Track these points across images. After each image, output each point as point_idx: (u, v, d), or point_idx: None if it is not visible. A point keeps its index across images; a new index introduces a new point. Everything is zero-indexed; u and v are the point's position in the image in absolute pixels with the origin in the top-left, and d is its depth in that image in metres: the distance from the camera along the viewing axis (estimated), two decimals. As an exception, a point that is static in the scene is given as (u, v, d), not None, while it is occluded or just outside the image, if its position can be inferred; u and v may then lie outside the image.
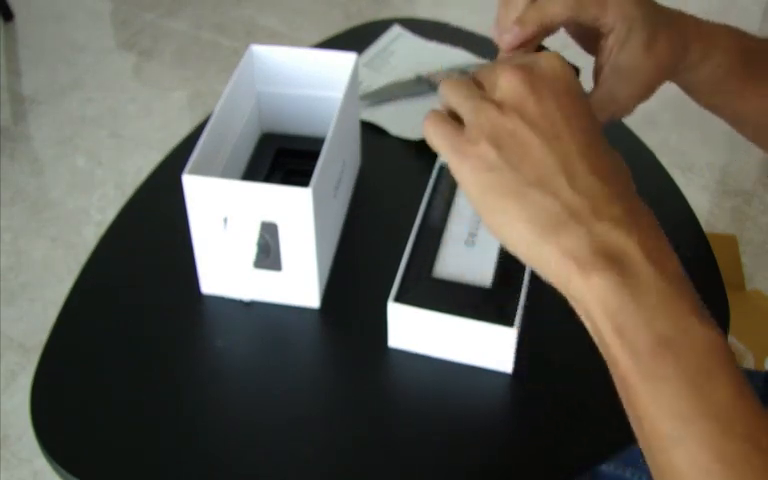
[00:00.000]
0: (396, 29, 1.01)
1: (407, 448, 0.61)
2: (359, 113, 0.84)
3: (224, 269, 0.69)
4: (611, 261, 0.41)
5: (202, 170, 0.66)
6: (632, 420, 0.42)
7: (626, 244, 0.41)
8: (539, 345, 0.66)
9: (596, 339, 0.43)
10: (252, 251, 0.67)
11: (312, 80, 0.79)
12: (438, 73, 0.91)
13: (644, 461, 0.42)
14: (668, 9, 0.63)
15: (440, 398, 0.64)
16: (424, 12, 2.33)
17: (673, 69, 0.63)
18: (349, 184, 0.79)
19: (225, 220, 0.66)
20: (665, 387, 0.39)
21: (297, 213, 0.65)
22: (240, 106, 0.77)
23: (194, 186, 0.65)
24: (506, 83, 0.46)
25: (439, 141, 0.48)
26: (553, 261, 0.43)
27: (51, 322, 0.69)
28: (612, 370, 0.42)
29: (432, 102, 0.90)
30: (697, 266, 0.74)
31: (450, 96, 0.49)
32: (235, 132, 0.76)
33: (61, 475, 0.60)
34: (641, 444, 0.42)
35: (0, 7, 2.35)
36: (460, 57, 0.95)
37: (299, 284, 0.69)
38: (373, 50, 0.98)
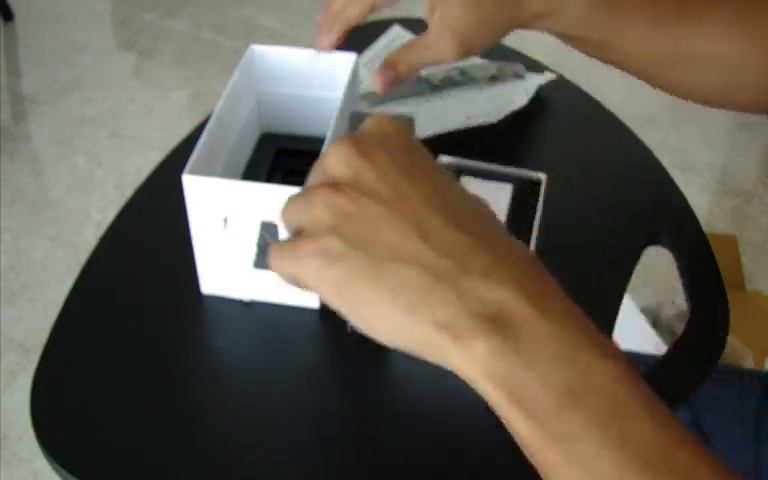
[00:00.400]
0: (396, 29, 1.01)
1: (407, 448, 0.61)
2: (359, 113, 0.84)
3: (224, 269, 0.69)
4: (488, 321, 0.35)
5: (202, 170, 0.66)
6: None
7: (502, 295, 0.36)
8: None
9: (498, 413, 0.37)
10: (252, 251, 0.67)
11: (312, 80, 0.79)
12: (438, 73, 0.91)
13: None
14: None
15: (440, 398, 0.64)
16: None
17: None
18: None
19: (225, 220, 0.66)
20: (581, 448, 0.34)
21: None
22: (240, 106, 0.77)
23: (194, 186, 0.65)
24: (333, 158, 0.40)
25: (277, 261, 0.41)
26: (430, 339, 0.37)
27: (51, 322, 0.69)
28: (520, 445, 0.37)
29: (432, 101, 0.89)
30: (697, 266, 0.74)
31: (285, 214, 0.43)
32: (235, 132, 0.76)
33: (61, 475, 0.60)
34: None
35: (0, 7, 2.35)
36: (460, 57, 0.95)
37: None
38: (373, 50, 0.98)
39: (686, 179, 1.89)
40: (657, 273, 1.70)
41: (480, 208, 0.40)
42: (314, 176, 0.42)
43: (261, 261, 0.68)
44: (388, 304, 0.37)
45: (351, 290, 0.38)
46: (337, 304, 0.39)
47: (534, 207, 0.71)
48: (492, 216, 0.40)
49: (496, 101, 0.87)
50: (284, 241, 0.42)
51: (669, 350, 0.69)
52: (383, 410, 0.63)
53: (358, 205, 0.38)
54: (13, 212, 1.85)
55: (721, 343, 0.68)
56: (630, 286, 0.72)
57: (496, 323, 0.35)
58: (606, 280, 0.72)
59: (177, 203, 0.71)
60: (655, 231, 0.76)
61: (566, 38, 0.67)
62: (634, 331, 1.36)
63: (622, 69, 0.68)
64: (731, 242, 1.57)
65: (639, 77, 0.69)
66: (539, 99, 0.89)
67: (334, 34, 0.70)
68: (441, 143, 0.83)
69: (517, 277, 0.36)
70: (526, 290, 0.36)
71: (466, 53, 0.66)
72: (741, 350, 1.28)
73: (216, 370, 0.66)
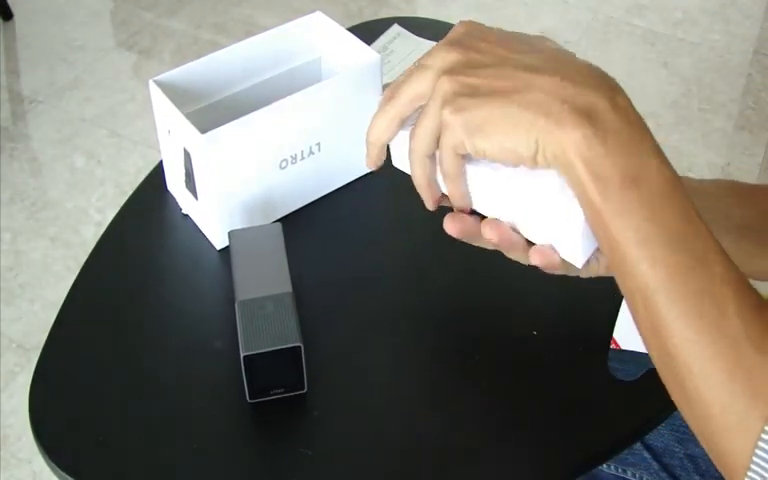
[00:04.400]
0: (396, 28, 1.01)
1: (406, 450, 0.61)
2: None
3: (173, 175, 0.77)
4: (583, 116, 0.47)
5: (169, 86, 0.74)
6: (605, 249, 0.49)
7: (594, 101, 0.47)
8: (539, 345, 0.66)
9: (575, 187, 0.48)
10: (182, 171, 0.73)
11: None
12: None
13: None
14: None
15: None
16: (424, 11, 2.33)
17: None
18: (334, 173, 0.79)
19: (169, 132, 0.73)
20: (630, 219, 0.46)
21: (198, 154, 0.69)
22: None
23: (154, 92, 0.73)
24: (439, 59, 0.52)
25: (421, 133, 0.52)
26: (534, 130, 0.48)
27: (50, 322, 0.68)
28: (587, 209, 0.48)
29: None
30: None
31: (405, 92, 0.53)
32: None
33: (59, 476, 0.60)
34: (614, 270, 0.49)
35: (-1, 6, 2.35)
36: (460, 56, 0.95)
37: (210, 220, 0.73)
38: (374, 48, 0.97)
39: (686, 179, 1.89)
40: (657, 273, 1.70)
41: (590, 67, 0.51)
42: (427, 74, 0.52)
43: (187, 183, 0.73)
44: (506, 122, 0.49)
45: (480, 119, 0.49)
46: (462, 134, 0.50)
47: None
48: (602, 72, 0.51)
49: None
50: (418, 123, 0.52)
51: (669, 350, 0.69)
52: (385, 406, 0.63)
53: (480, 76, 0.50)
54: (12, 212, 1.85)
55: (721, 343, 0.67)
56: (630, 286, 0.72)
57: (588, 118, 0.47)
58: (606, 280, 0.71)
59: (176, 203, 0.70)
60: (655, 231, 0.76)
61: None
62: (634, 331, 1.35)
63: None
64: (731, 242, 1.56)
65: None
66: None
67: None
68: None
69: (606, 93, 0.48)
70: (613, 101, 0.48)
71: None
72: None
73: (216, 370, 0.66)
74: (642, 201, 0.47)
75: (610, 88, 0.49)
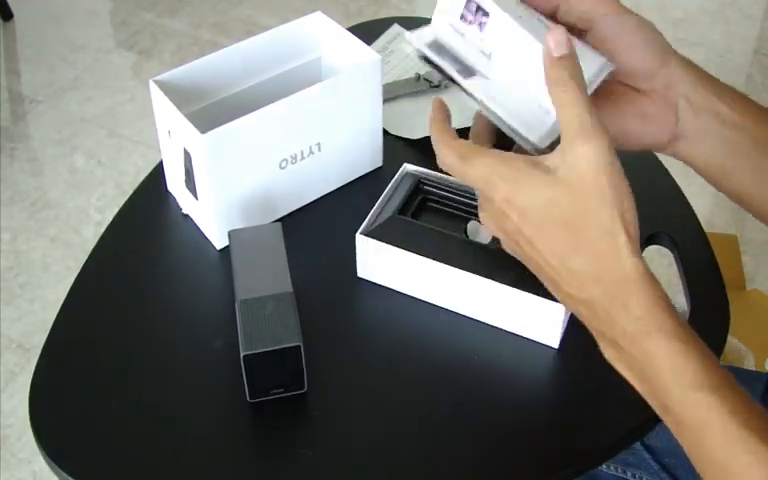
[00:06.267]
0: (396, 28, 1.01)
1: (406, 450, 0.61)
2: (374, 114, 0.81)
3: (173, 174, 0.77)
4: (608, 345, 0.54)
5: (172, 88, 0.74)
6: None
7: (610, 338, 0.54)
8: (540, 345, 0.66)
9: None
10: (182, 171, 0.73)
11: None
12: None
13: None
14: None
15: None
16: (424, 11, 2.33)
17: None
18: (334, 173, 0.79)
19: (169, 132, 0.73)
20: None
21: (198, 154, 0.69)
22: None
23: (155, 93, 0.73)
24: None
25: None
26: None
27: (50, 322, 0.68)
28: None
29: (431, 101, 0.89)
30: (697, 266, 0.74)
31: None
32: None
33: (59, 476, 0.60)
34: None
35: (-1, 7, 2.35)
36: (460, 56, 0.95)
37: (210, 220, 0.73)
38: (374, 48, 0.97)
39: (687, 179, 1.89)
40: (657, 273, 1.69)
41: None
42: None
43: (187, 183, 0.73)
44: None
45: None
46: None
47: None
48: None
49: (496, 101, 0.87)
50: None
51: (669, 350, 0.69)
52: (387, 402, 0.63)
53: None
54: (12, 212, 1.85)
55: (721, 343, 0.68)
56: (630, 286, 0.72)
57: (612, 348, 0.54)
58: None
59: (176, 202, 0.70)
60: (655, 231, 0.76)
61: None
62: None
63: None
64: (731, 242, 1.56)
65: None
66: (539, 99, 0.89)
67: None
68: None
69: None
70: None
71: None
72: (741, 350, 1.28)
73: (216, 370, 0.66)
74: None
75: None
